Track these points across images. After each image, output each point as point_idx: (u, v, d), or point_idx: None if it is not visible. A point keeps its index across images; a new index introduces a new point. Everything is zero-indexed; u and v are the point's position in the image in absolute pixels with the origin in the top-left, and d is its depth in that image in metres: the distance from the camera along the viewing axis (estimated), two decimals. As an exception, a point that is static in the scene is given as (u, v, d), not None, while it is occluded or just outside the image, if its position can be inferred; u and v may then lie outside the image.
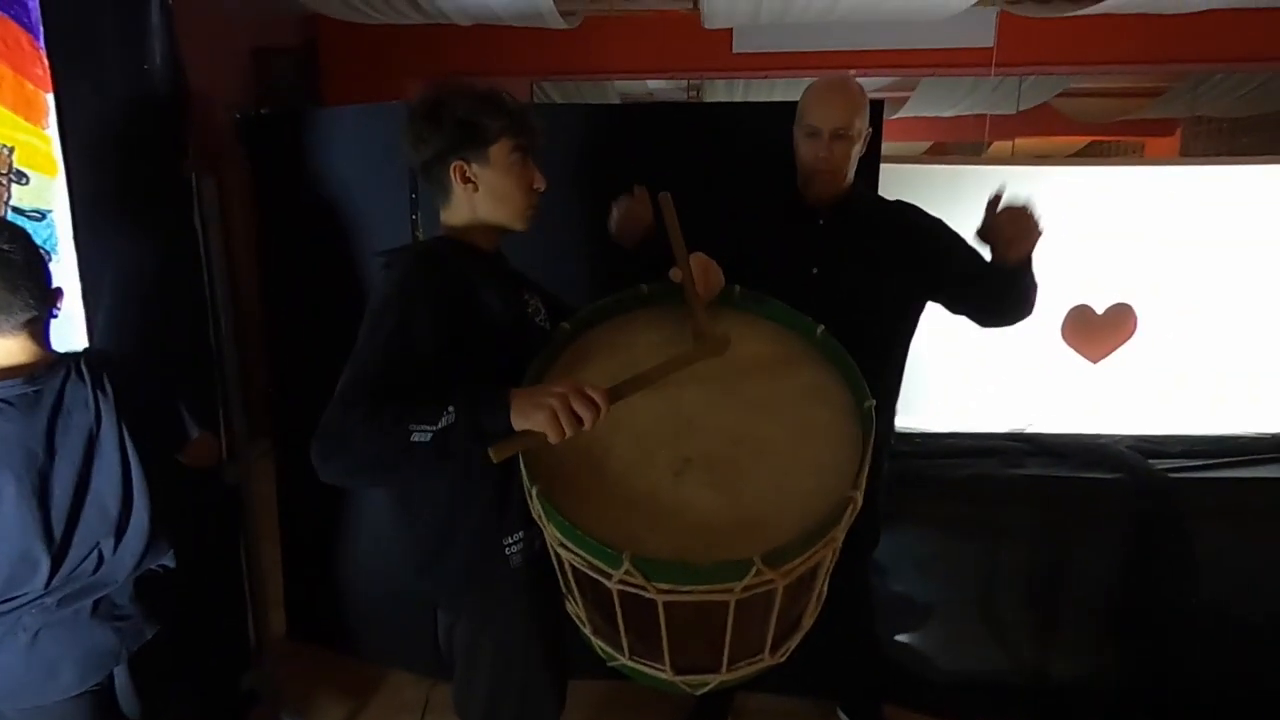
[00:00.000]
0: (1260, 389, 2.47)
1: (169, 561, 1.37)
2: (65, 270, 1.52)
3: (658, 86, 6.65)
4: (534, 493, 0.99)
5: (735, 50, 4.64)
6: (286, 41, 4.98)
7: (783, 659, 1.13)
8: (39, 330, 1.24)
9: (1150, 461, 2.13)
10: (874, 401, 1.06)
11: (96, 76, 1.51)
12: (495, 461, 0.94)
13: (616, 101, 5.91)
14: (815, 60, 4.57)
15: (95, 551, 1.26)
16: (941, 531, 2.11)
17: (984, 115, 5.33)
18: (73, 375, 1.24)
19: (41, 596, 1.22)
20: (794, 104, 1.61)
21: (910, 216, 1.63)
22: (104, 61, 1.52)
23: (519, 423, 0.96)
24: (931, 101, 5.58)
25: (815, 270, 1.57)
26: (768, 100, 1.74)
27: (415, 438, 0.94)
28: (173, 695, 1.60)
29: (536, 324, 1.27)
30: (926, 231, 1.60)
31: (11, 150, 1.43)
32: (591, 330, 1.24)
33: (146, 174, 1.62)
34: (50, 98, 1.45)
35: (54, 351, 1.26)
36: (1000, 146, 6.94)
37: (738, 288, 1.24)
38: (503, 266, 1.29)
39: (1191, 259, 2.44)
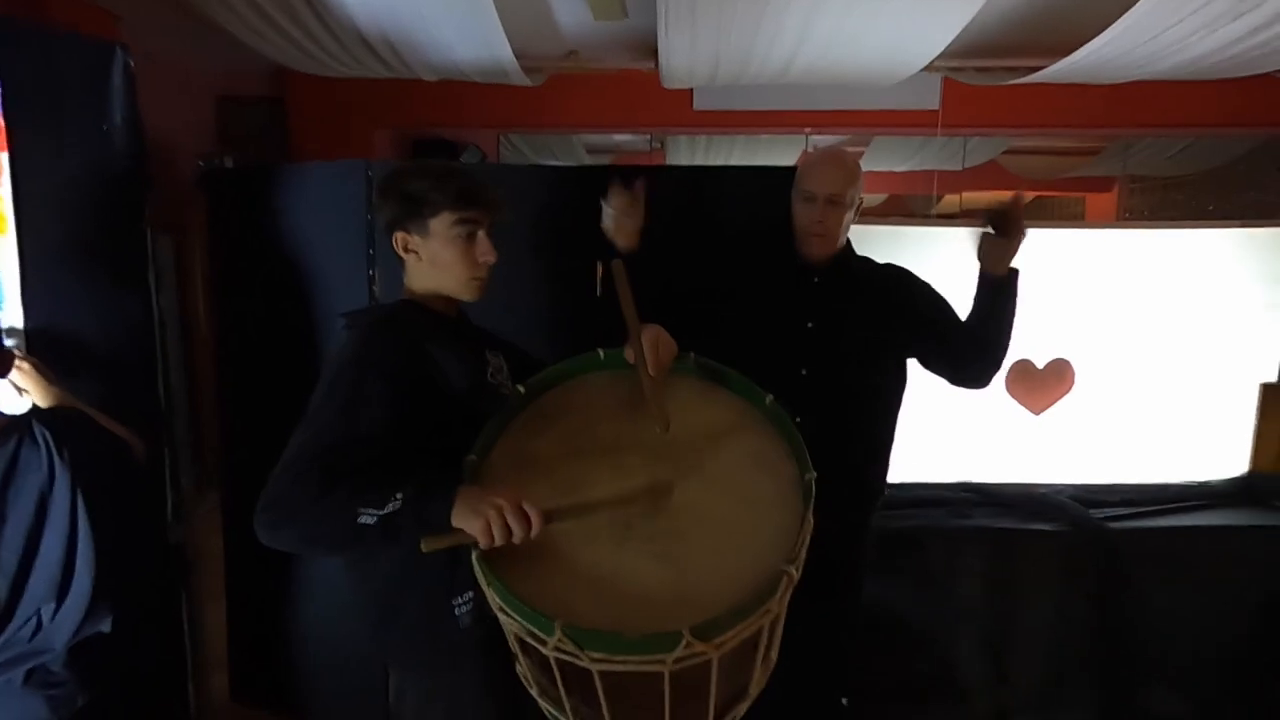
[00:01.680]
0: (1195, 436, 2.59)
1: (105, 627, 1.33)
2: (10, 327, 1.50)
3: (623, 139, 6.82)
4: (475, 556, 1.00)
5: (696, 107, 4.81)
6: (254, 91, 5.01)
7: None
8: None
9: (1091, 511, 2.20)
10: (814, 474, 1.10)
11: (54, 136, 1.53)
12: (425, 552, 0.97)
13: (583, 152, 6.04)
14: (772, 119, 4.76)
15: (34, 618, 1.23)
16: (889, 583, 2.14)
17: (933, 171, 5.59)
18: (27, 438, 1.22)
19: (-28, 665, 1.18)
20: (786, 169, 1.76)
21: (900, 277, 1.74)
22: (62, 121, 1.54)
23: (458, 521, 0.98)
24: (883, 158, 5.82)
25: (810, 325, 1.66)
26: (763, 164, 1.89)
27: (362, 519, 0.97)
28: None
29: (494, 384, 1.30)
30: (915, 291, 1.71)
31: (-38, 209, 1.43)
32: (549, 393, 1.26)
33: (102, 232, 1.62)
34: (3, 157, 1.46)
35: (4, 415, 1.24)
36: (949, 200, 7.24)
37: (693, 355, 1.27)
38: (464, 328, 1.32)
39: (1127, 313, 2.58)
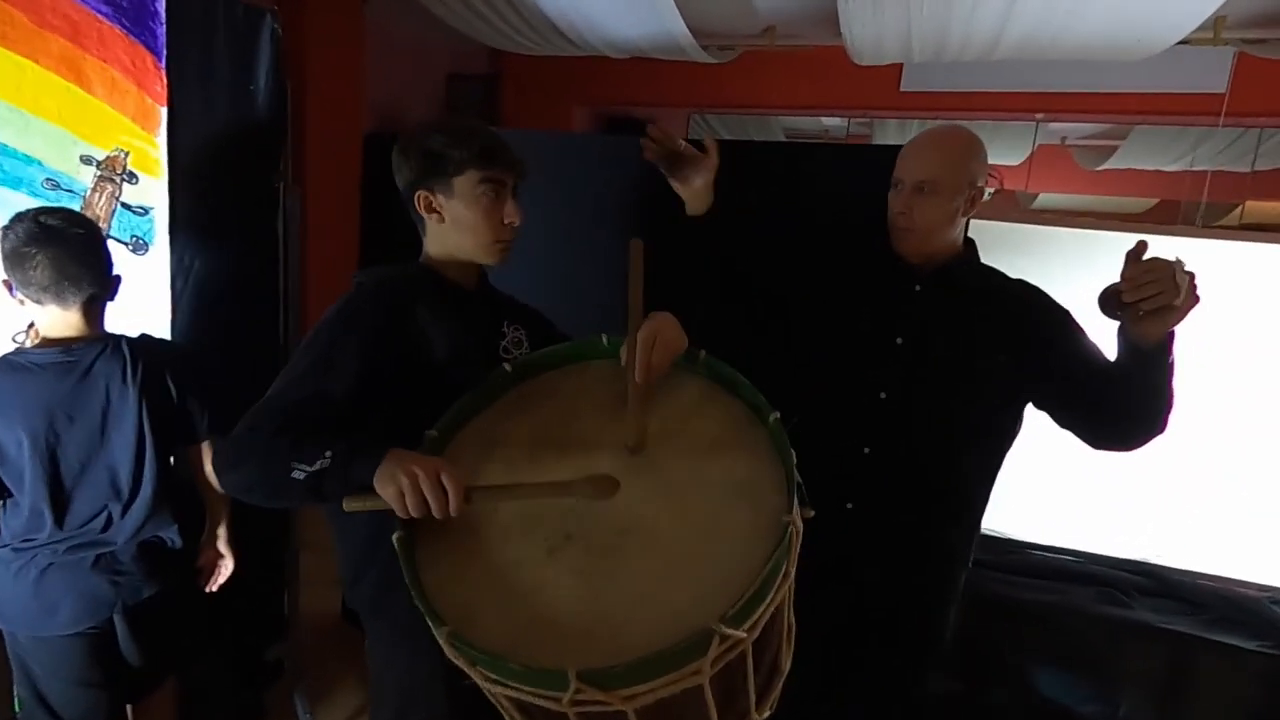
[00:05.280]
0: None
1: (173, 537, 1.50)
2: (159, 260, 1.74)
3: (833, 124, 6.41)
4: (395, 537, 0.94)
5: (903, 88, 4.33)
6: (477, 69, 5.47)
7: None
8: (95, 310, 1.42)
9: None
10: (794, 518, 0.89)
11: (206, 94, 1.73)
12: (346, 511, 0.92)
13: (780, 134, 5.77)
14: (993, 102, 4.14)
15: (105, 513, 1.42)
16: (1000, 669, 1.75)
17: (1204, 172, 4.48)
18: (108, 351, 1.41)
19: (52, 542, 1.39)
20: (895, 148, 1.46)
21: (1028, 299, 1.40)
22: (214, 81, 1.74)
23: (378, 484, 0.92)
24: (1146, 153, 4.81)
25: (900, 340, 1.40)
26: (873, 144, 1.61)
27: (294, 474, 0.94)
28: (200, 651, 1.76)
29: (509, 358, 1.23)
30: (1043, 320, 1.36)
31: (128, 154, 1.66)
32: (544, 374, 1.17)
33: (239, 182, 1.81)
34: (164, 110, 1.68)
35: (102, 331, 1.44)
36: (1253, 208, 5.80)
37: (703, 353, 1.10)
38: (481, 298, 1.27)
39: None
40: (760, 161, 1.74)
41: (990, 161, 1.52)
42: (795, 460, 0.95)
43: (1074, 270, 2.22)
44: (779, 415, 0.99)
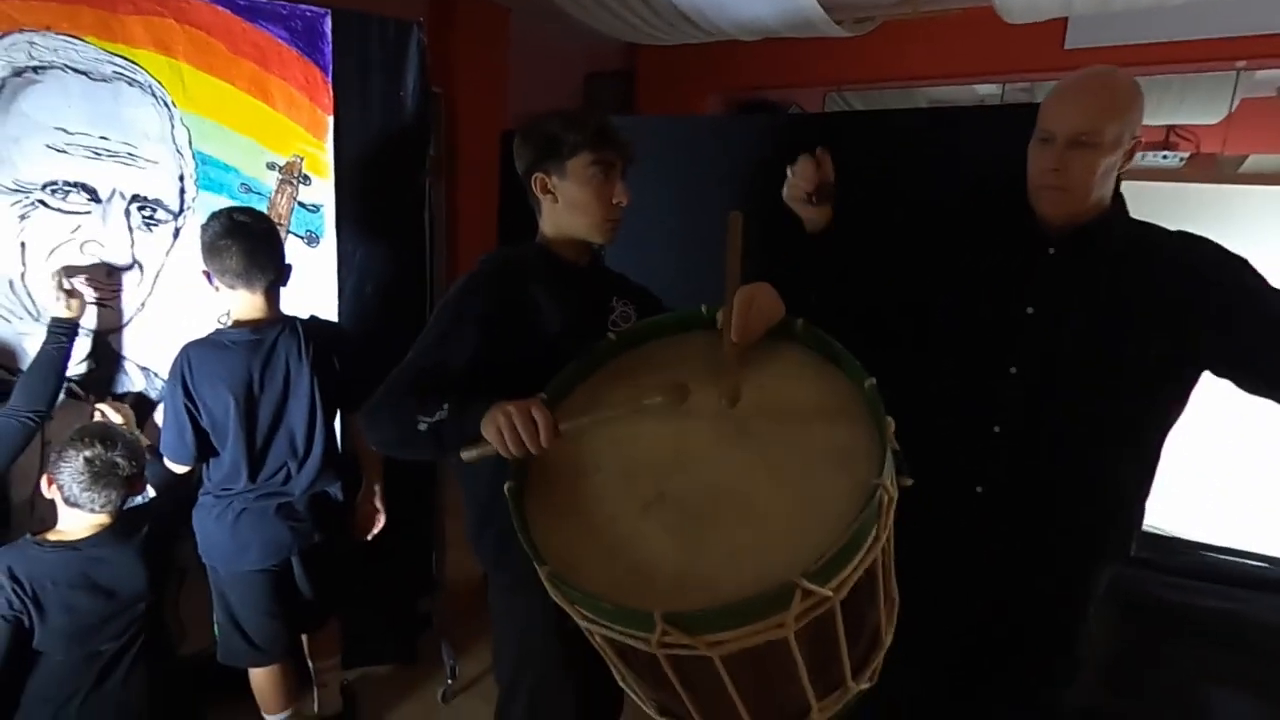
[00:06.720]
0: None
1: (337, 493, 1.72)
2: (328, 252, 1.97)
3: (988, 91, 5.93)
4: (506, 486, 1.02)
5: (1068, 46, 3.92)
6: (614, 65, 5.63)
7: None
8: (274, 294, 1.66)
9: None
10: (879, 480, 0.87)
11: (364, 102, 1.93)
12: (465, 461, 1.03)
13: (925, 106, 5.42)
14: (1179, 53, 3.64)
15: (285, 469, 1.66)
16: (1176, 682, 1.58)
17: None
18: (286, 331, 1.64)
19: (246, 491, 1.63)
20: (1030, 108, 1.35)
21: (1190, 256, 1.21)
22: (371, 90, 1.94)
23: (484, 429, 1.03)
24: (1390, 99, 4.02)
25: (1030, 310, 1.28)
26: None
27: (419, 426, 1.08)
28: (356, 595, 1.99)
29: (613, 331, 1.30)
30: (1211, 277, 1.18)
31: (302, 160, 1.91)
32: (646, 344, 1.22)
33: (392, 180, 2.01)
34: (330, 119, 1.90)
35: (280, 313, 1.67)
36: None
37: (800, 321, 1.10)
38: (591, 275, 1.34)
39: None
40: (876, 132, 1.67)
41: (1181, 121, 1.31)
42: (893, 427, 0.93)
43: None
44: (874, 381, 0.97)
